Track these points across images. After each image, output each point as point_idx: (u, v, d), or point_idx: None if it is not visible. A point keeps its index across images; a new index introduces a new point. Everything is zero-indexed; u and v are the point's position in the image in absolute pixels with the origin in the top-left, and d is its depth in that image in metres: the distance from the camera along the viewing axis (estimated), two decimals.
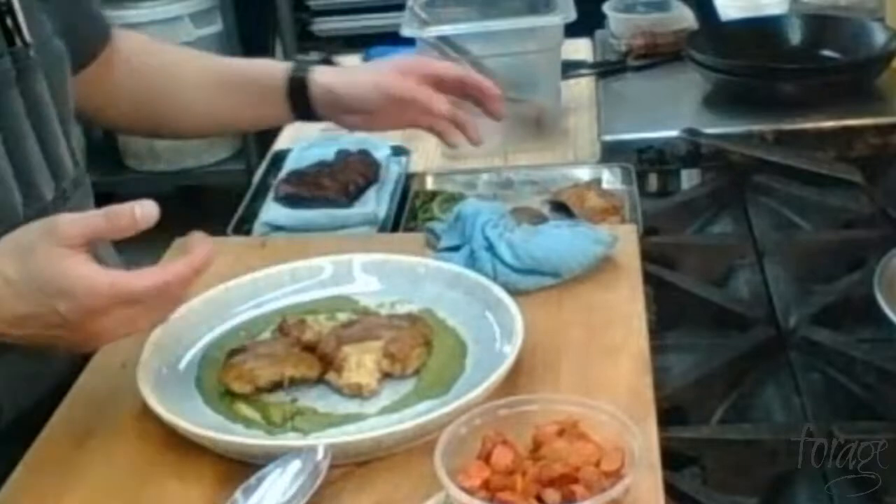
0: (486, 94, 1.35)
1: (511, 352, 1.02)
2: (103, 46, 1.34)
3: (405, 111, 1.34)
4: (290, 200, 1.46)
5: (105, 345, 1.01)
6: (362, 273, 1.19)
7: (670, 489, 0.92)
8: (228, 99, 1.38)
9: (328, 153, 1.56)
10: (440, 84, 1.34)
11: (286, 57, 3.32)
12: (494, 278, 1.15)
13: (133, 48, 1.38)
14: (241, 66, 1.42)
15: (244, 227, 1.43)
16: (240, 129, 1.35)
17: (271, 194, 1.50)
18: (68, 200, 1.16)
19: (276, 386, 1.03)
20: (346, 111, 1.37)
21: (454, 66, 1.41)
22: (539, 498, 0.81)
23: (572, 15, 1.58)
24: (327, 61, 2.05)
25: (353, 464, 0.94)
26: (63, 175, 1.16)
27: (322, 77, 1.35)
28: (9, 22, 1.10)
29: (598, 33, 2.02)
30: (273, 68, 1.38)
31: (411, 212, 1.47)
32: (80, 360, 1.13)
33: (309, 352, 1.06)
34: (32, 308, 0.93)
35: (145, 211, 0.93)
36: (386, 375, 1.04)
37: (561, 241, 1.18)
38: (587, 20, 1.78)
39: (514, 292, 1.12)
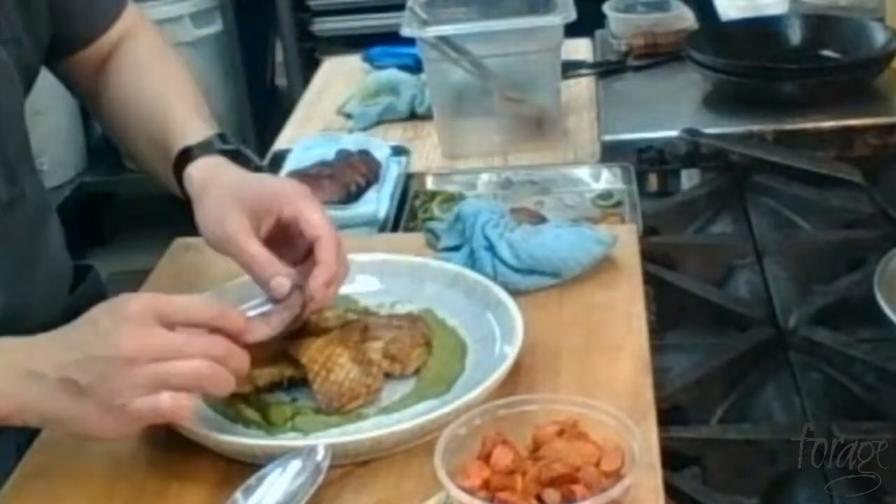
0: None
1: (511, 352, 1.02)
2: (112, 21, 1.28)
3: None
4: None
5: (126, 430, 0.92)
6: (362, 273, 1.19)
7: (670, 489, 0.92)
8: (155, 159, 1.19)
9: (328, 153, 1.56)
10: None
11: (286, 57, 3.32)
12: (494, 278, 1.15)
13: (127, 60, 1.27)
14: (171, 131, 1.16)
15: None
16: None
17: None
18: None
19: (276, 386, 1.03)
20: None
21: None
22: (539, 498, 0.81)
23: (572, 15, 1.58)
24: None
25: (353, 464, 0.94)
26: None
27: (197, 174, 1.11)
28: None
29: (598, 33, 2.02)
30: (176, 143, 1.14)
31: (411, 212, 1.47)
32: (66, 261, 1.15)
33: None
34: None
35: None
36: (386, 375, 1.04)
37: (561, 241, 1.18)
38: (587, 20, 1.78)
39: (514, 292, 1.12)
